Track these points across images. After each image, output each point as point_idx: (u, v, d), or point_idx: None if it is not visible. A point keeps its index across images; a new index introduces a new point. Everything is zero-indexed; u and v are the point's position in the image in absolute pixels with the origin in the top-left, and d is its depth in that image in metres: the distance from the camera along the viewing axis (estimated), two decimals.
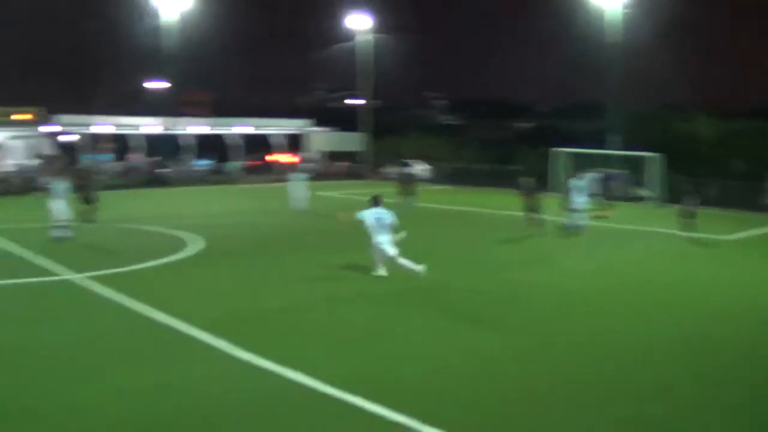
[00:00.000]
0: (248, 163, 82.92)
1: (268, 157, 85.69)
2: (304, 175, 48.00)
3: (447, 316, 19.93)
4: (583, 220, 35.89)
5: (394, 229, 24.71)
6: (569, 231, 35.40)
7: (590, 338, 18.30)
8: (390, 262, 24.56)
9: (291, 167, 59.52)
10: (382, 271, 24.68)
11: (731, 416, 13.42)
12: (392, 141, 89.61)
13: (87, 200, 39.77)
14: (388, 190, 45.41)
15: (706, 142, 61.52)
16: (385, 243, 24.41)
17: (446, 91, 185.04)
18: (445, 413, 12.98)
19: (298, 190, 46.76)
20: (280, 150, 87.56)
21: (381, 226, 24.41)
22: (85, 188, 40.36)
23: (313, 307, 21.09)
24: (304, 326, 19.03)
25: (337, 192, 58.73)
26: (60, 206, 32.72)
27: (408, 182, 48.42)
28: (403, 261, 24.38)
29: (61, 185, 33.39)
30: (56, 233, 32.52)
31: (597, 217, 37.86)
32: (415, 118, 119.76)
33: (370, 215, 24.64)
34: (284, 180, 49.40)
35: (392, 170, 76.11)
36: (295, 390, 14.13)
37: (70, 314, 20.19)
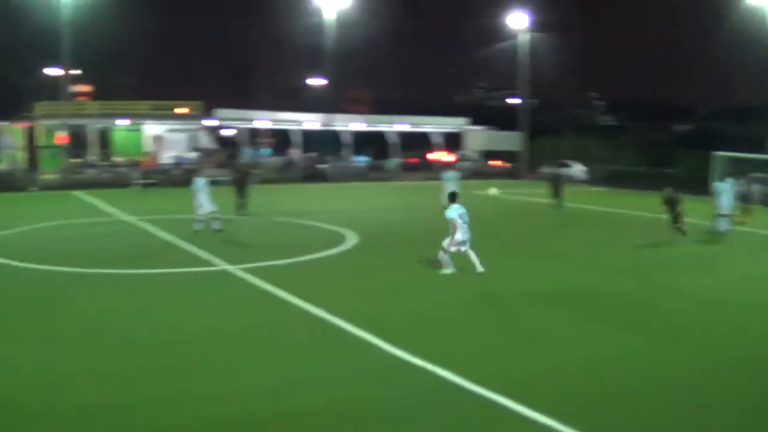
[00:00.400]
0: (407, 160, 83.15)
1: (429, 155, 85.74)
2: (455, 173, 47.81)
3: (596, 320, 19.71)
4: (726, 224, 35.09)
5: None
6: (716, 235, 34.71)
7: (736, 346, 17.82)
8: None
9: (446, 165, 59.22)
10: (448, 270, 24.55)
11: None
12: (549, 141, 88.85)
13: (242, 194, 40.25)
14: (540, 191, 45.18)
15: None
16: (467, 239, 24.63)
17: (605, 91, 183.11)
18: (592, 417, 12.91)
19: (450, 187, 46.63)
20: (438, 148, 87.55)
21: (465, 222, 24.57)
22: (241, 182, 40.86)
23: (464, 305, 21.04)
24: (455, 324, 19.03)
25: (495, 191, 58.44)
26: (201, 200, 33.31)
27: (557, 183, 47.85)
28: (472, 255, 24.78)
29: (201, 180, 33.88)
30: (197, 226, 33.30)
31: (737, 223, 36.83)
32: (573, 118, 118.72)
33: (454, 212, 24.67)
34: (440, 178, 49.26)
35: (548, 170, 75.67)
36: (445, 388, 14.13)
37: (229, 304, 20.63)
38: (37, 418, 12.49)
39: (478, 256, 24.55)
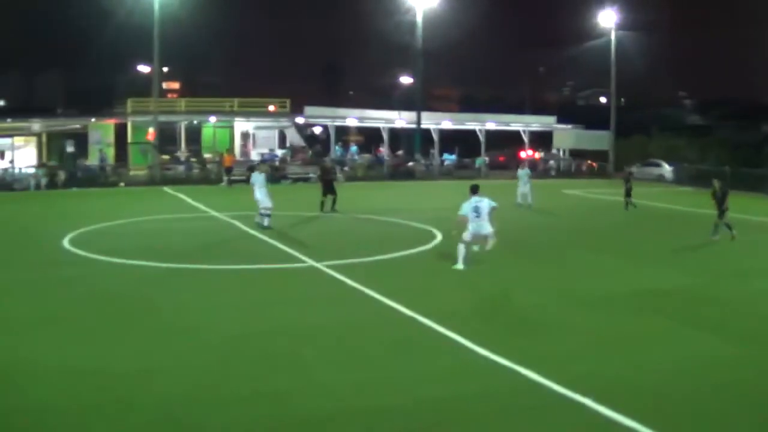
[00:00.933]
0: (500, 158, 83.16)
1: (520, 153, 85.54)
2: (527, 171, 47.70)
3: (687, 324, 19.48)
4: None
5: (491, 217, 24.97)
6: None
7: None
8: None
9: (520, 163, 58.86)
10: (459, 265, 24.52)
11: None
12: (638, 140, 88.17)
13: (329, 191, 40.34)
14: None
15: None
16: (485, 229, 24.79)
17: (693, 90, 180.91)
18: (677, 423, 12.77)
19: (523, 185, 46.55)
20: (528, 146, 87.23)
21: (479, 215, 24.66)
22: (327, 179, 40.96)
23: (547, 306, 20.93)
24: (543, 325, 18.95)
25: (580, 191, 57.93)
26: (260, 196, 33.69)
27: (627, 182, 47.29)
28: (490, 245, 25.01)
29: (260, 176, 34.23)
30: (259, 220, 33.82)
31: None
32: (662, 118, 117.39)
33: (468, 207, 24.85)
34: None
35: (637, 170, 75.08)
36: (532, 389, 14.09)
37: (316, 300, 20.74)
38: (132, 410, 12.66)
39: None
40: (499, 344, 16.35)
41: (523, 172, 47.55)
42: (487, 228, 24.89)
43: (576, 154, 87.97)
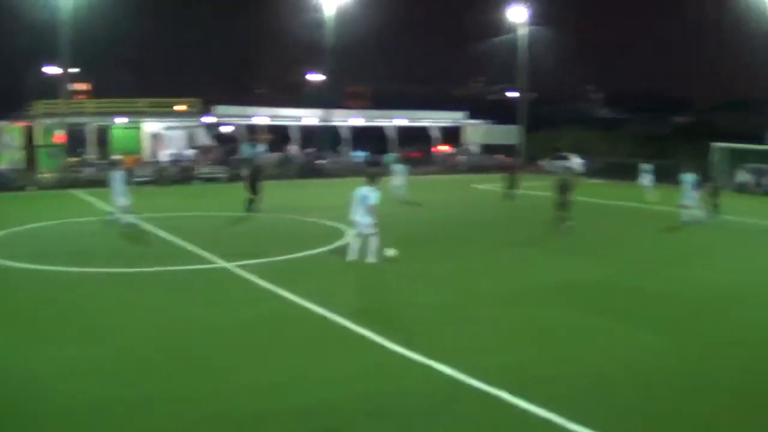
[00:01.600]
0: (410, 154, 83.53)
1: (433, 149, 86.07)
2: (402, 166, 48.79)
3: (600, 314, 19.74)
4: (691, 215, 35.58)
5: (371, 211, 25.17)
6: (685, 225, 35.06)
7: (745, 340, 17.84)
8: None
9: (402, 158, 59.39)
10: (391, 252, 24.99)
11: None
12: (548, 134, 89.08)
13: (254, 190, 40.33)
14: (537, 184, 45.39)
15: None
16: (362, 222, 25.25)
17: (604, 84, 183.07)
18: (590, 410, 12.88)
19: (397, 179, 47.26)
20: (437, 142, 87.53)
21: (362, 204, 25.11)
22: (253, 179, 40.92)
23: (461, 301, 21.11)
24: (453, 320, 19.05)
25: (491, 185, 58.30)
26: (116, 193, 34.47)
27: (512, 174, 47.92)
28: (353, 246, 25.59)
29: (118, 174, 34.87)
30: (115, 217, 34.45)
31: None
32: (571, 111, 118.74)
33: (357, 191, 25.56)
34: (440, 173, 49.29)
35: (547, 163, 75.99)
36: (449, 385, 14.17)
37: (229, 301, 20.66)
38: (42, 416, 12.53)
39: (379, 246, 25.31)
40: (412, 340, 16.39)
41: (399, 167, 48.67)
42: (359, 219, 25.39)
43: (488, 148, 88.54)
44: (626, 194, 51.88)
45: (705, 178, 41.64)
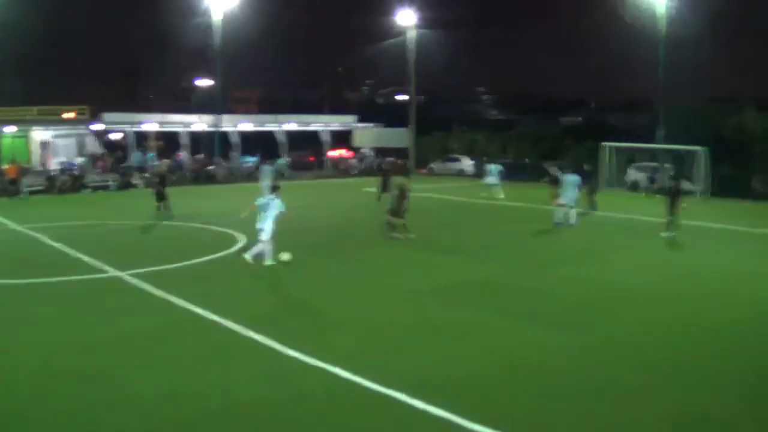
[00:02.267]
0: (308, 158, 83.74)
1: (329, 153, 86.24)
2: (270, 168, 50.28)
3: (496, 313, 20.04)
4: (567, 216, 36.30)
5: (273, 219, 25.32)
6: (558, 227, 35.83)
7: (636, 333, 18.43)
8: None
9: (264, 161, 59.73)
10: (285, 256, 25.24)
11: None
12: (438, 136, 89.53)
13: (162, 198, 40.11)
14: (428, 186, 45.73)
15: (755, 135, 61.04)
16: (264, 228, 25.48)
17: (494, 86, 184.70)
18: (490, 410, 13.08)
19: (265, 180, 47.99)
20: (329, 146, 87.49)
21: (264, 211, 25.51)
22: (160, 186, 40.69)
23: (356, 305, 21.22)
24: (349, 324, 19.12)
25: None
26: None
27: (384, 177, 48.39)
28: (262, 247, 25.76)
29: None
30: None
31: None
32: (462, 113, 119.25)
33: (261, 200, 26.06)
34: (332, 177, 49.47)
35: (438, 165, 76.58)
36: (340, 386, 14.27)
37: (122, 311, 20.40)
38: None
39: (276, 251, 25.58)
40: (310, 345, 16.47)
41: (268, 168, 50.24)
42: (265, 232, 25.60)
43: (382, 152, 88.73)
44: (515, 195, 52.42)
45: (586, 177, 42.57)
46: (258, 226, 25.56)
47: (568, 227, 35.54)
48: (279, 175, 50.74)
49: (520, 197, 50.37)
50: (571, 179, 36.28)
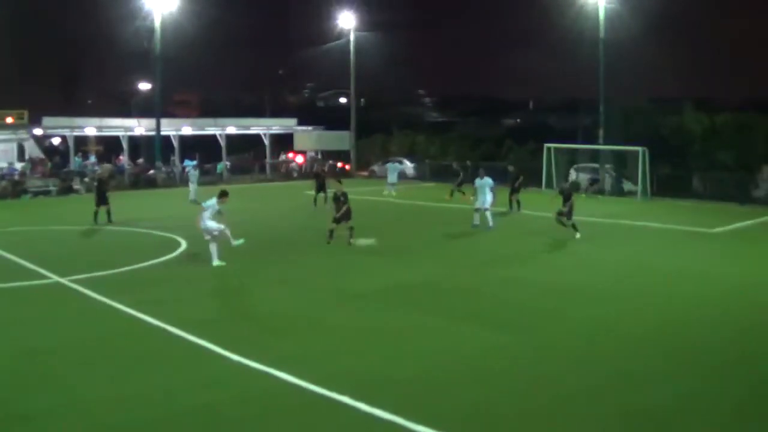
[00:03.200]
0: (257, 162, 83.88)
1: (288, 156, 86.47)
2: (195, 172, 51.68)
3: (438, 315, 20.21)
4: (485, 219, 36.40)
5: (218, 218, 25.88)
6: (476, 228, 36.00)
7: (576, 331, 18.67)
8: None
9: (194, 166, 59.84)
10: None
11: (725, 405, 13.73)
12: (379, 139, 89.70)
13: (103, 202, 39.84)
14: (369, 189, 45.93)
15: (694, 135, 61.78)
16: (213, 227, 26.11)
17: (434, 88, 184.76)
18: (434, 410, 13.18)
19: (192, 184, 49.84)
20: (270, 150, 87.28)
21: (212, 213, 26.14)
22: (102, 190, 40.44)
23: (298, 308, 21.23)
24: (291, 328, 19.18)
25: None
26: None
27: (321, 179, 48.55)
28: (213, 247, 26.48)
29: None
30: None
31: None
32: (403, 116, 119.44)
33: (211, 203, 26.41)
34: (268, 180, 49.55)
35: (379, 167, 76.82)
36: (284, 390, 14.33)
37: (63, 318, 20.31)
38: None
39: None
40: (252, 349, 16.51)
41: (194, 172, 51.18)
42: (212, 231, 26.14)
43: (329, 155, 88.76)
44: (454, 196, 52.72)
45: (512, 178, 43.34)
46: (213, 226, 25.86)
47: (487, 230, 35.62)
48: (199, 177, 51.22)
49: (457, 199, 50.54)
50: (482, 183, 36.27)
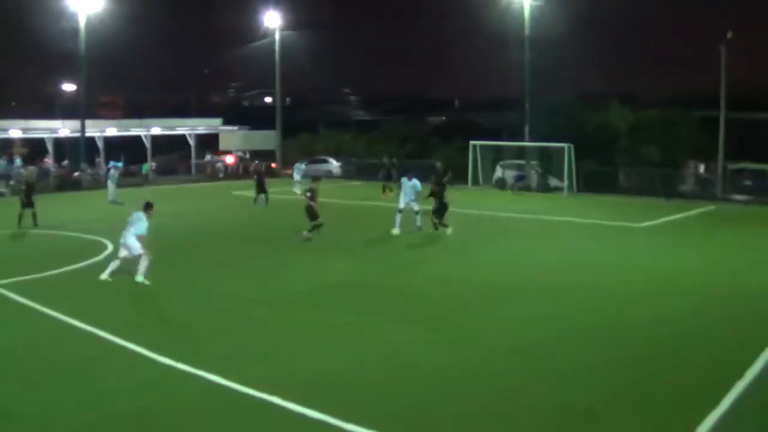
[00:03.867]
0: (183, 163, 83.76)
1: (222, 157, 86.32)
2: (114, 174, 51.92)
3: (366, 313, 20.48)
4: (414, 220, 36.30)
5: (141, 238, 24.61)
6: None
7: (508, 328, 18.97)
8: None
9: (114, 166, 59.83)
10: (105, 275, 25.07)
11: (653, 399, 13.98)
12: (305, 138, 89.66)
13: (29, 206, 39.45)
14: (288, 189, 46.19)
15: (620, 131, 62.45)
16: (134, 248, 24.76)
17: (359, 87, 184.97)
18: (366, 410, 13.33)
19: (111, 184, 50.18)
20: (194, 150, 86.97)
21: (131, 226, 24.94)
22: (28, 193, 40.04)
23: (227, 310, 21.31)
24: (221, 329, 19.21)
25: (249, 192, 58.62)
26: None
27: (260, 178, 48.77)
28: (113, 266, 25.25)
29: None
30: None
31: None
32: (329, 115, 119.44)
33: (131, 216, 25.44)
34: (194, 181, 49.40)
35: (306, 167, 76.93)
36: (215, 392, 14.39)
37: None
38: None
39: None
40: (182, 351, 16.54)
41: (114, 172, 51.98)
42: (130, 249, 24.87)
43: (258, 155, 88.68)
44: (378, 194, 53.00)
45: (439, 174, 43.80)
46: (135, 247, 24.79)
47: (416, 230, 35.66)
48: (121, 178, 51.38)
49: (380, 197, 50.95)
50: (410, 184, 36.19)
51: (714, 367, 15.99)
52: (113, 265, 25.11)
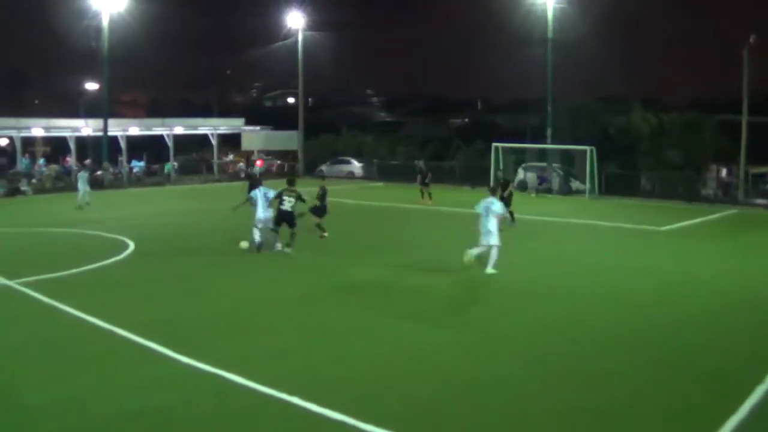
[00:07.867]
0: (205, 163, 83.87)
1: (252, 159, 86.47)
2: (83, 173, 51.11)
3: (385, 314, 20.38)
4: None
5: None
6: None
7: (526, 330, 18.82)
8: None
9: (82, 166, 59.82)
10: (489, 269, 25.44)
11: (669, 405, 13.86)
12: (327, 139, 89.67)
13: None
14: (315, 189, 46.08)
15: (643, 134, 62.36)
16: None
17: (383, 88, 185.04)
18: (385, 410, 13.30)
19: (82, 186, 49.61)
20: (216, 149, 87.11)
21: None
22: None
23: (246, 309, 21.29)
24: (240, 329, 19.19)
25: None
26: None
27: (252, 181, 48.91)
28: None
29: None
30: None
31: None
32: (351, 116, 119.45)
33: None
34: (216, 181, 49.38)
35: (328, 167, 76.97)
36: (234, 391, 14.36)
37: (11, 320, 20.19)
38: None
39: None
40: (201, 351, 16.48)
41: (81, 174, 50.80)
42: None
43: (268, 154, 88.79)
44: (402, 196, 52.96)
45: (422, 173, 44.26)
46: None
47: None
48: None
49: (404, 199, 50.98)
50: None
51: (733, 372, 15.84)
52: (477, 251, 25.89)
